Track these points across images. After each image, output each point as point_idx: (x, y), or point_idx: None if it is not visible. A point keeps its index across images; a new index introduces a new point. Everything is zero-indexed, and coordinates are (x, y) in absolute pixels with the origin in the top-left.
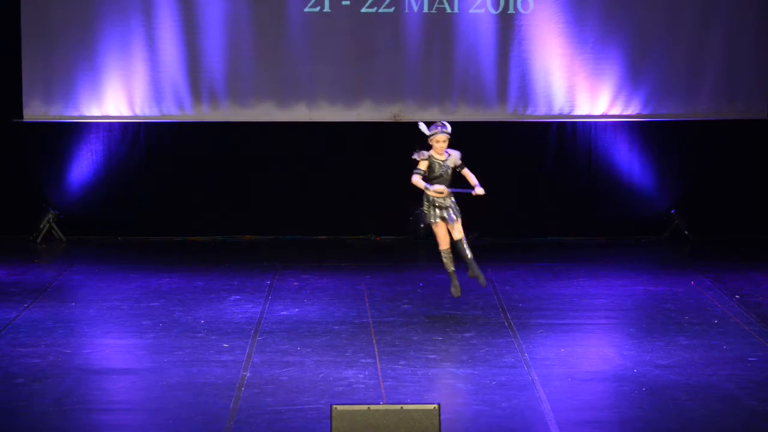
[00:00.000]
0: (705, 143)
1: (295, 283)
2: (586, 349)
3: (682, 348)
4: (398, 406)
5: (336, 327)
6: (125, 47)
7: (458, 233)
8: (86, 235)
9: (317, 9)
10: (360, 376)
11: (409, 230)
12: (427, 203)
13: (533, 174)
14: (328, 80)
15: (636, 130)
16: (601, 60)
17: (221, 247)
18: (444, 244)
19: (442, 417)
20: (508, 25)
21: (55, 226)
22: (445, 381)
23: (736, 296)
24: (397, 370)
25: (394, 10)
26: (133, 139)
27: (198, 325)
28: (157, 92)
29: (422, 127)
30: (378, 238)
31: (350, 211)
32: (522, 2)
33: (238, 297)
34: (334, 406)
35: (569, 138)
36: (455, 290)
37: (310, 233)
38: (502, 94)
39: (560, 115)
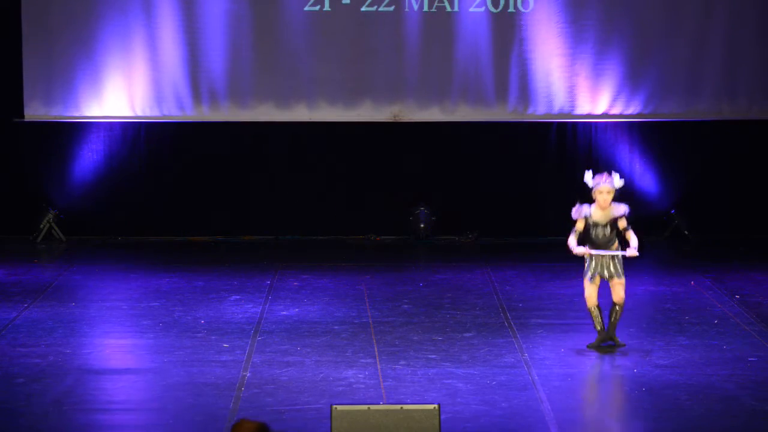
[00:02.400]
0: (705, 143)
1: (295, 283)
2: (586, 349)
3: (682, 348)
4: (398, 406)
5: (336, 327)
6: (126, 47)
7: (616, 296)
8: (86, 235)
9: (317, 8)
10: (360, 376)
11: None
12: (588, 257)
13: (533, 174)
14: (328, 80)
15: (636, 130)
16: (601, 60)
17: (221, 247)
18: (589, 302)
19: (442, 417)
20: (508, 24)
21: (55, 226)
22: (445, 381)
23: (736, 296)
24: (397, 370)
25: (394, 9)
26: (134, 139)
27: (198, 325)
28: (157, 92)
29: (587, 177)
30: (378, 238)
31: (350, 211)
32: (522, 1)
33: (238, 297)
34: (334, 406)
35: (569, 138)
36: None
37: (310, 233)
38: (502, 94)
39: (560, 115)
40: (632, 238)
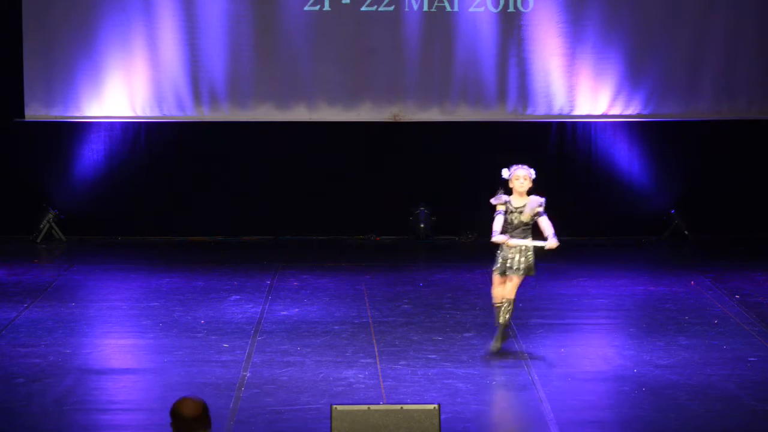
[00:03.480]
0: (705, 143)
1: (295, 283)
2: (586, 349)
3: (682, 348)
4: (398, 406)
5: (336, 327)
6: (126, 47)
7: (509, 293)
8: (86, 235)
9: (317, 8)
10: (360, 376)
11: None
12: (498, 250)
13: None
14: (328, 80)
15: (636, 130)
16: (601, 59)
17: (221, 247)
18: (495, 298)
19: (442, 417)
20: (508, 24)
21: (55, 226)
22: (445, 381)
23: (736, 296)
24: (397, 370)
25: (394, 9)
26: (134, 139)
27: (198, 325)
28: (157, 92)
29: (503, 172)
30: (378, 238)
31: (350, 211)
32: (522, 1)
33: (238, 297)
34: (334, 406)
35: (569, 138)
36: (495, 344)
37: (310, 233)
38: (502, 94)
39: (560, 115)
40: (547, 227)
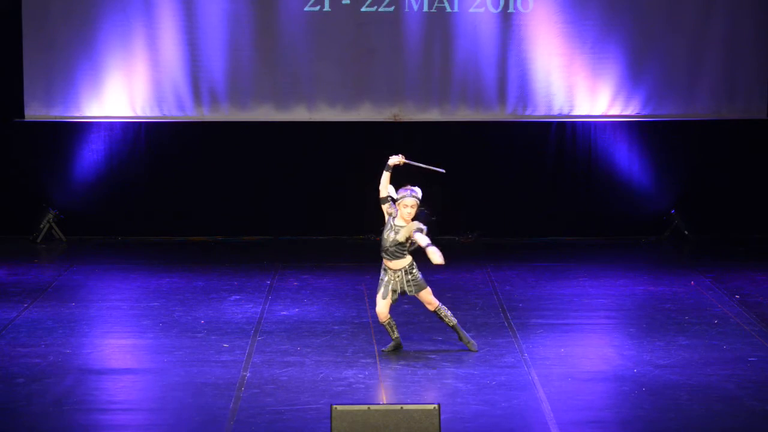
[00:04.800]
0: (705, 143)
1: (295, 283)
2: (586, 349)
3: (682, 348)
4: (398, 406)
5: (336, 327)
6: (126, 47)
7: (429, 305)
8: (86, 235)
9: (317, 8)
10: (360, 376)
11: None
12: (382, 271)
13: (533, 174)
14: (328, 80)
15: (636, 130)
16: (601, 59)
17: (221, 247)
18: (380, 318)
19: (442, 417)
20: (507, 25)
21: (55, 226)
22: (445, 381)
23: (736, 296)
24: (397, 370)
25: (394, 9)
26: (134, 139)
27: (198, 325)
28: (157, 92)
29: (391, 190)
30: (378, 238)
31: (350, 211)
32: (522, 1)
33: (238, 297)
34: (334, 406)
35: (569, 138)
36: (393, 347)
37: (310, 233)
38: (502, 94)
39: (560, 115)
40: (423, 238)
